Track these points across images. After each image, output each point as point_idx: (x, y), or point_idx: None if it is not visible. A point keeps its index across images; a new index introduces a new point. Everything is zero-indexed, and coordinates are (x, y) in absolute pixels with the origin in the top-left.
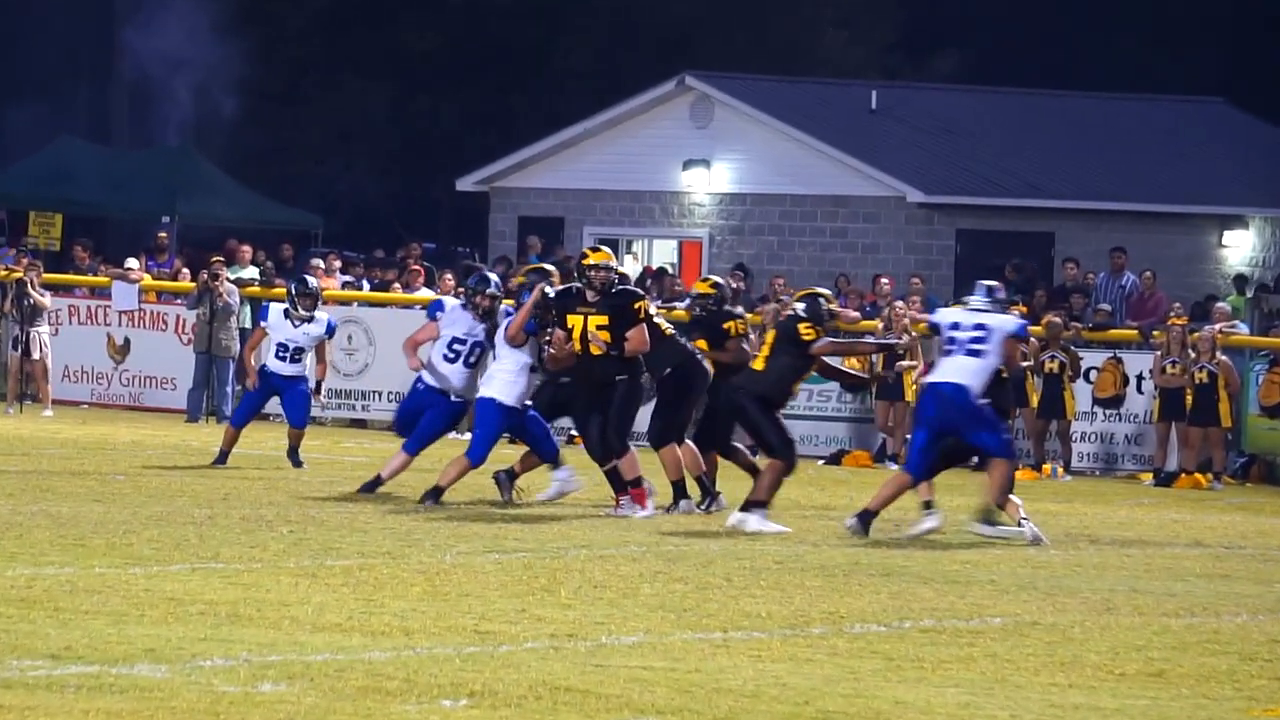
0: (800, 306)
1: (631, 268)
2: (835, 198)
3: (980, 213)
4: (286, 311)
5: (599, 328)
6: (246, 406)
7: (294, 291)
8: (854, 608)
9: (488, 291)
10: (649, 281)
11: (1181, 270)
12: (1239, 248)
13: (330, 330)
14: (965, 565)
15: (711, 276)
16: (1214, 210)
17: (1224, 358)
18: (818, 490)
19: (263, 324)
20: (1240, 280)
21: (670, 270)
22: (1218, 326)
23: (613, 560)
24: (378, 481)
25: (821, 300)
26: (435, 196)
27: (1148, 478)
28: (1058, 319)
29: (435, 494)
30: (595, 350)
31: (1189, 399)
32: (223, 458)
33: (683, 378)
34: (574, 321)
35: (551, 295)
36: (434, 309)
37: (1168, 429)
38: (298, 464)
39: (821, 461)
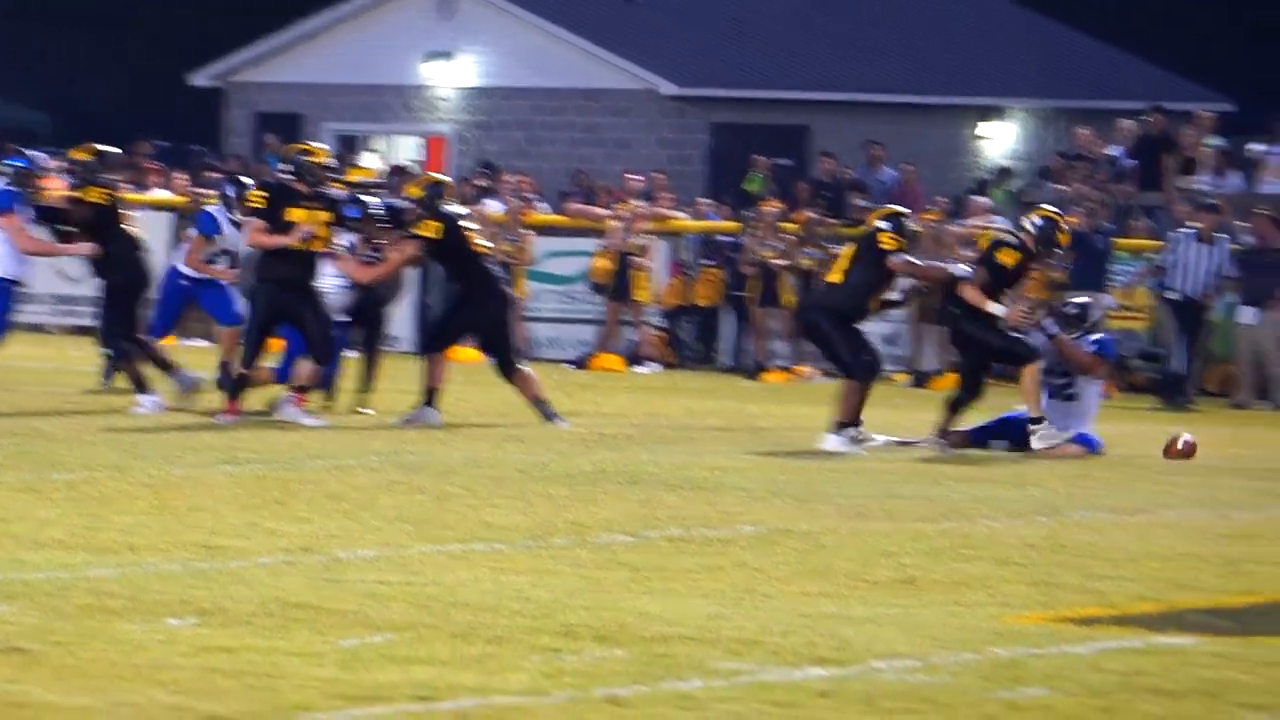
0: (884, 223)
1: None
2: (586, 91)
3: (735, 106)
4: (220, 215)
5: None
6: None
7: (235, 195)
8: (599, 517)
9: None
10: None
11: (940, 164)
12: (998, 140)
13: None
14: (715, 472)
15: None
16: (972, 101)
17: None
18: (565, 395)
19: (215, 237)
20: (1003, 173)
21: (414, 168)
22: (972, 222)
23: (350, 471)
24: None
25: (905, 219)
26: (168, 92)
27: (904, 378)
28: (814, 215)
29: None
30: (317, 247)
31: (937, 298)
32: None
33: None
34: (297, 217)
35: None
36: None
37: (921, 328)
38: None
39: (568, 365)
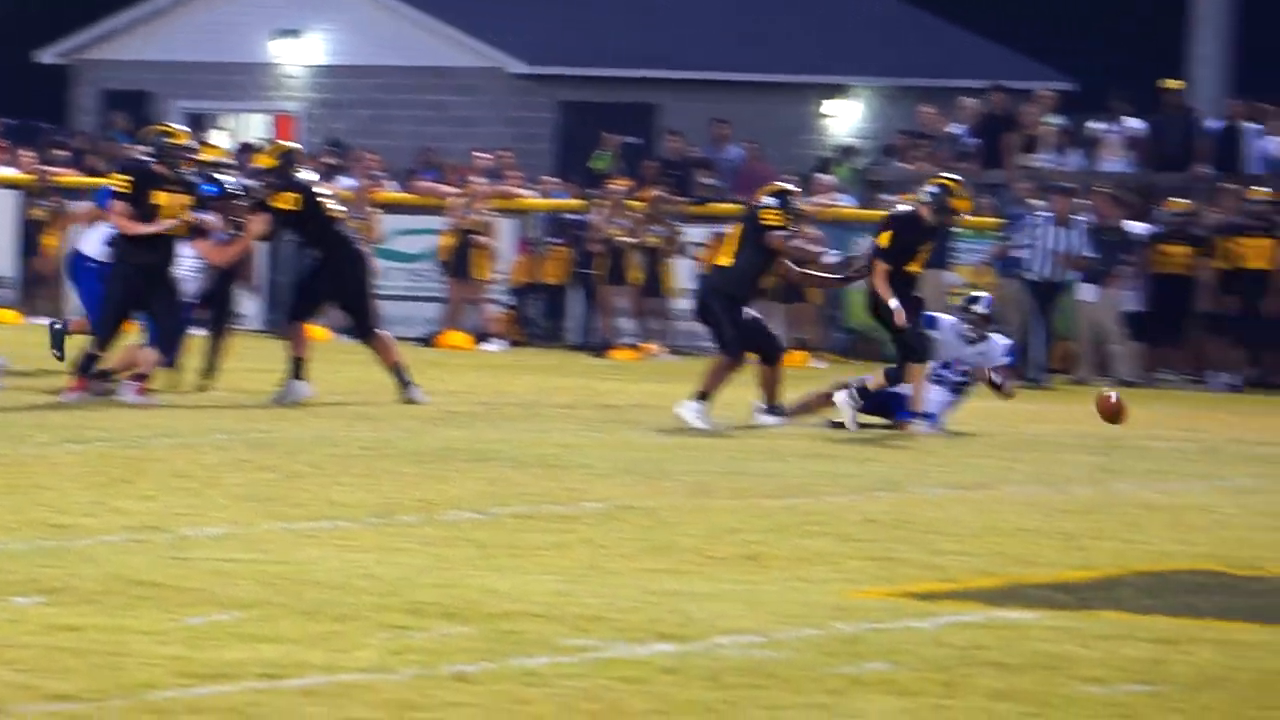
0: (769, 199)
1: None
2: (433, 69)
3: (582, 84)
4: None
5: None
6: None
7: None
8: (446, 495)
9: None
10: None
11: (787, 142)
12: (842, 118)
13: None
14: (562, 449)
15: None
16: (817, 79)
17: (815, 231)
18: (413, 374)
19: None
20: (846, 151)
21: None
22: (817, 200)
23: (197, 449)
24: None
25: (791, 196)
26: (15, 69)
27: (754, 356)
28: (660, 193)
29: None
30: (180, 232)
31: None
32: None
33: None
34: (162, 200)
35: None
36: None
37: (764, 305)
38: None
39: (416, 343)
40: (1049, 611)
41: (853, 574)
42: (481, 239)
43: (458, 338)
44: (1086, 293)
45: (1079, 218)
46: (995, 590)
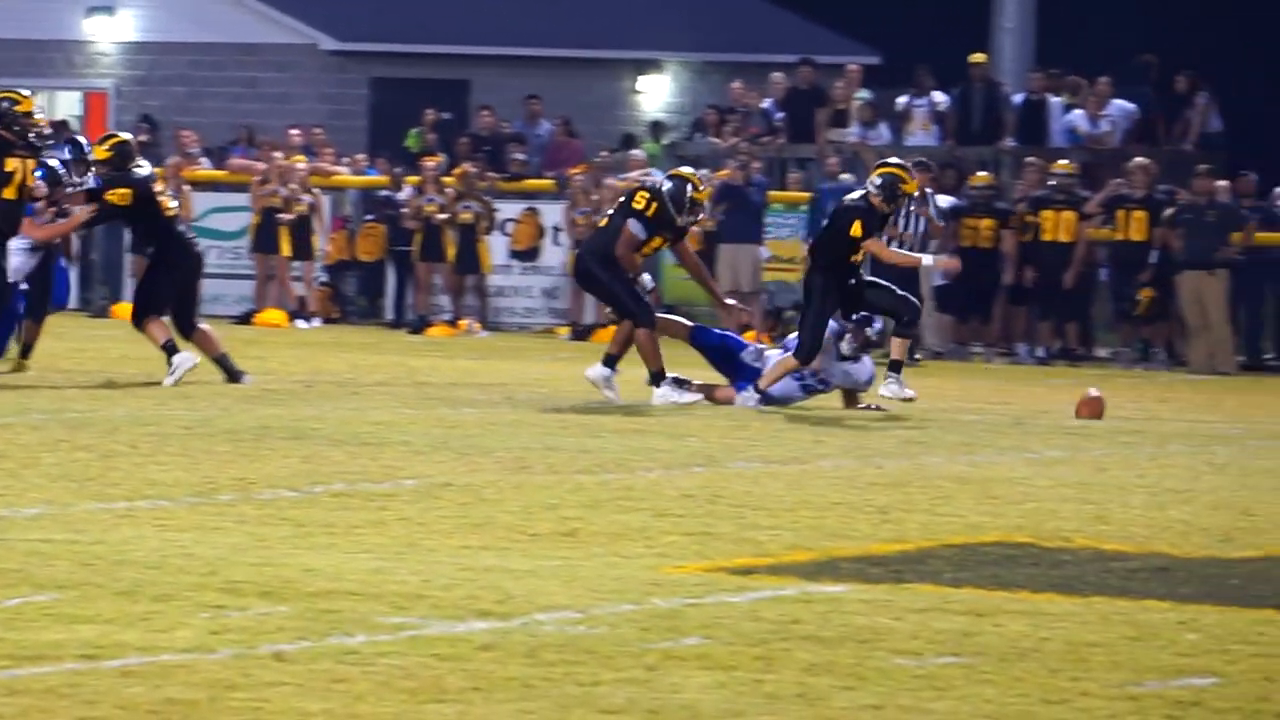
0: (655, 183)
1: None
2: (246, 46)
3: (396, 60)
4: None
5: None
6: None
7: (72, 156)
8: (263, 473)
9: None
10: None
11: (600, 117)
12: (655, 93)
13: None
14: (378, 427)
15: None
16: (629, 55)
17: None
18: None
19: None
20: (657, 127)
21: (72, 124)
22: (631, 175)
23: (12, 429)
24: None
25: (689, 186)
26: None
27: (565, 332)
28: (473, 169)
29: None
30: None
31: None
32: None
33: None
34: (13, 166)
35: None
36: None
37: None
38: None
39: (231, 320)
40: (862, 585)
41: (669, 549)
42: (287, 216)
43: (274, 315)
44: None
45: (931, 191)
46: (809, 564)
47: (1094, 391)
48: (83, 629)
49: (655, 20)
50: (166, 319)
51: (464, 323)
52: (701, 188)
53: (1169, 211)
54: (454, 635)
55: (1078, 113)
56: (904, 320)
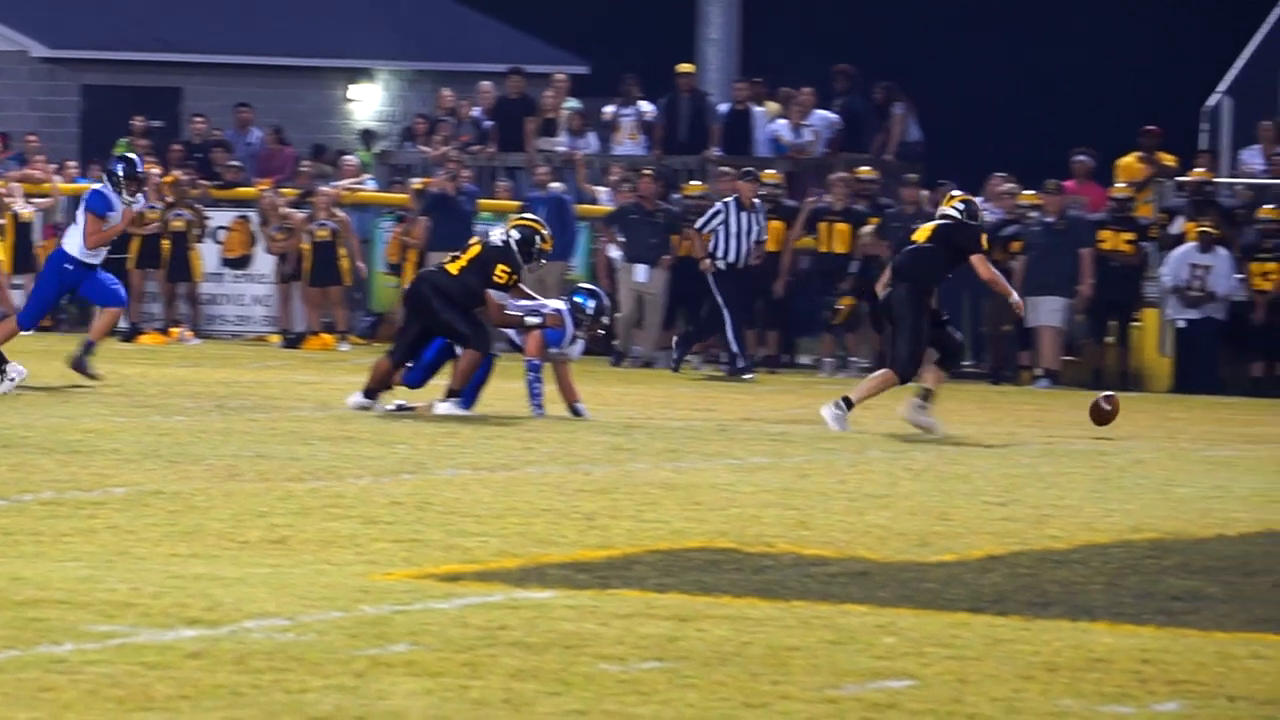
0: (514, 234)
1: None
2: None
3: (107, 67)
4: (109, 193)
5: None
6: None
7: (124, 174)
8: None
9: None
10: None
11: (310, 125)
12: (367, 102)
13: None
14: (88, 435)
15: None
16: (341, 64)
17: (343, 214)
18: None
19: (107, 215)
20: (368, 135)
21: None
22: (343, 183)
23: None
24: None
25: (538, 238)
26: None
27: (277, 339)
28: (185, 176)
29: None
30: None
31: (308, 259)
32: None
33: None
34: None
35: None
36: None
37: (288, 289)
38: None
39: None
40: (569, 591)
41: (377, 556)
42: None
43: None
44: (639, 273)
45: (758, 202)
46: (516, 570)
47: (1105, 404)
48: None
49: (367, 29)
50: None
51: (176, 330)
52: (547, 238)
53: (868, 228)
54: (162, 643)
55: (781, 122)
56: (949, 355)
